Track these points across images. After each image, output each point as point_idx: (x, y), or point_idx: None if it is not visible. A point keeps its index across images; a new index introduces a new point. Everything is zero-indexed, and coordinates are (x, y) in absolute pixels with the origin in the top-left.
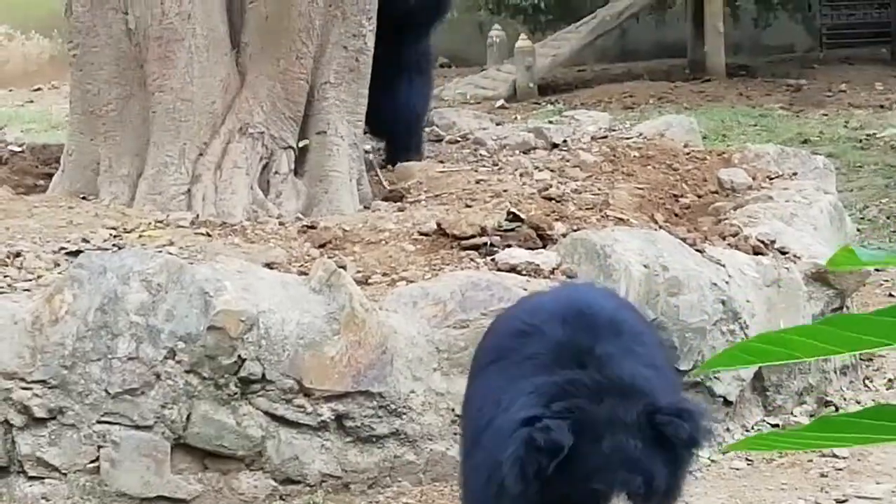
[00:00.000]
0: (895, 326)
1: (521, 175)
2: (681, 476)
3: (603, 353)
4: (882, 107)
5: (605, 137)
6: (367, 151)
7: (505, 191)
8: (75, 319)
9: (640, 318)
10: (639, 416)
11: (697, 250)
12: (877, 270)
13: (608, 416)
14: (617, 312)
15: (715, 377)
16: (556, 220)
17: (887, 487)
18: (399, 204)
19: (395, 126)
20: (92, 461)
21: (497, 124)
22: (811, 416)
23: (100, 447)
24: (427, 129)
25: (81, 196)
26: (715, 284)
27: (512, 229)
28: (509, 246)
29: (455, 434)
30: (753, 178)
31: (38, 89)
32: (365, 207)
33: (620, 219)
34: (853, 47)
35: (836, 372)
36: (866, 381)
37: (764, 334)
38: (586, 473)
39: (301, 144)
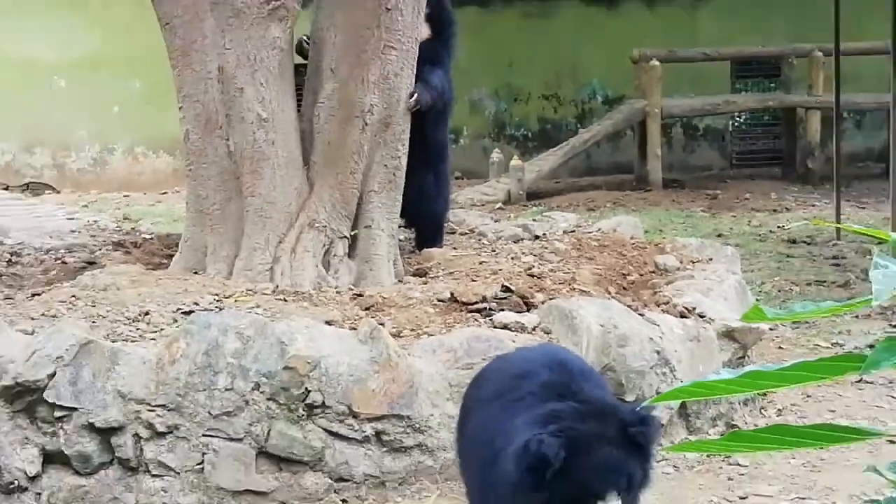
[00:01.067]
0: (783, 377)
1: (512, 258)
2: (650, 468)
3: (578, 388)
4: (775, 210)
5: (573, 231)
6: (400, 240)
7: (500, 269)
8: (187, 361)
9: (591, 366)
10: (616, 430)
11: (639, 314)
12: (770, 329)
13: (593, 432)
14: (580, 362)
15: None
16: (537, 291)
17: (777, 489)
18: (423, 279)
19: (424, 225)
20: (198, 464)
21: (495, 221)
22: (721, 434)
23: (204, 454)
24: (445, 225)
25: (194, 272)
26: (652, 339)
27: (505, 298)
28: (503, 310)
29: None
30: (681, 262)
31: (165, 193)
32: (399, 281)
33: (584, 291)
34: (754, 167)
35: (740, 403)
36: (762, 410)
37: (696, 382)
38: (584, 480)
39: (353, 234)
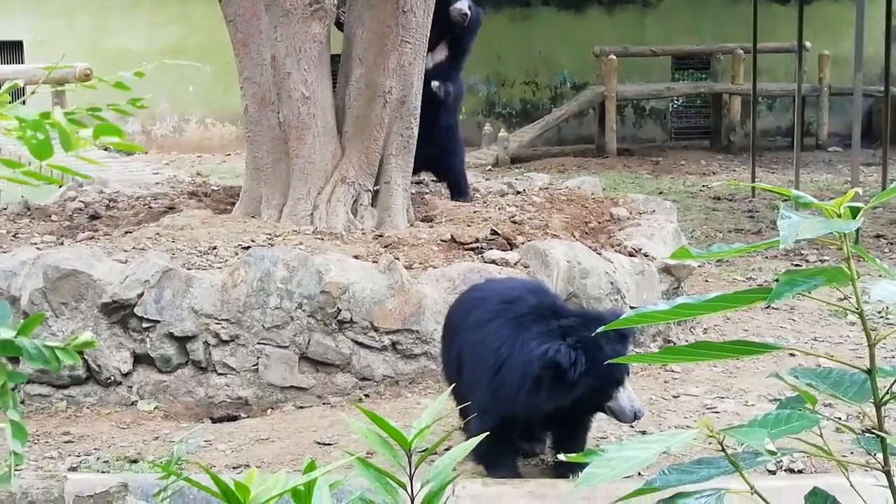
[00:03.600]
0: (705, 306)
1: (498, 209)
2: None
3: (561, 307)
4: (704, 174)
5: (547, 188)
6: (412, 193)
7: (489, 217)
8: (245, 285)
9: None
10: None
11: (597, 253)
12: (699, 266)
13: (597, 336)
14: (549, 288)
15: None
16: (518, 234)
17: (702, 390)
18: (430, 224)
19: (450, 174)
20: (254, 365)
21: (486, 179)
22: (660, 348)
23: (258, 357)
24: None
25: (251, 216)
26: (607, 273)
27: (493, 239)
28: (491, 249)
29: None
30: (630, 213)
31: (229, 154)
32: (411, 225)
33: (555, 234)
34: (688, 139)
35: (674, 323)
36: (691, 329)
37: (639, 312)
38: (606, 372)
39: (375, 189)
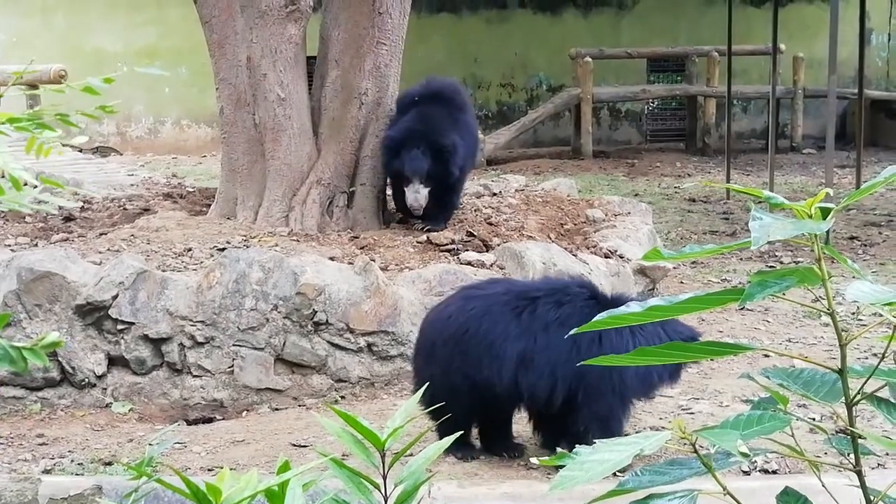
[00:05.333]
0: (677, 308)
1: (475, 210)
2: None
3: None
4: (679, 176)
5: (523, 190)
6: (388, 195)
7: (465, 218)
8: (221, 287)
9: None
10: None
11: (573, 255)
12: (674, 267)
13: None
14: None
15: None
16: (494, 236)
17: (677, 391)
18: (406, 226)
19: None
20: (229, 367)
21: None
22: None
23: (233, 359)
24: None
25: (227, 217)
26: (582, 274)
27: (469, 241)
28: (467, 250)
29: None
30: (606, 215)
31: (204, 156)
32: (386, 227)
33: (530, 236)
34: (664, 142)
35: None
36: None
37: (611, 315)
38: None
39: (350, 190)
